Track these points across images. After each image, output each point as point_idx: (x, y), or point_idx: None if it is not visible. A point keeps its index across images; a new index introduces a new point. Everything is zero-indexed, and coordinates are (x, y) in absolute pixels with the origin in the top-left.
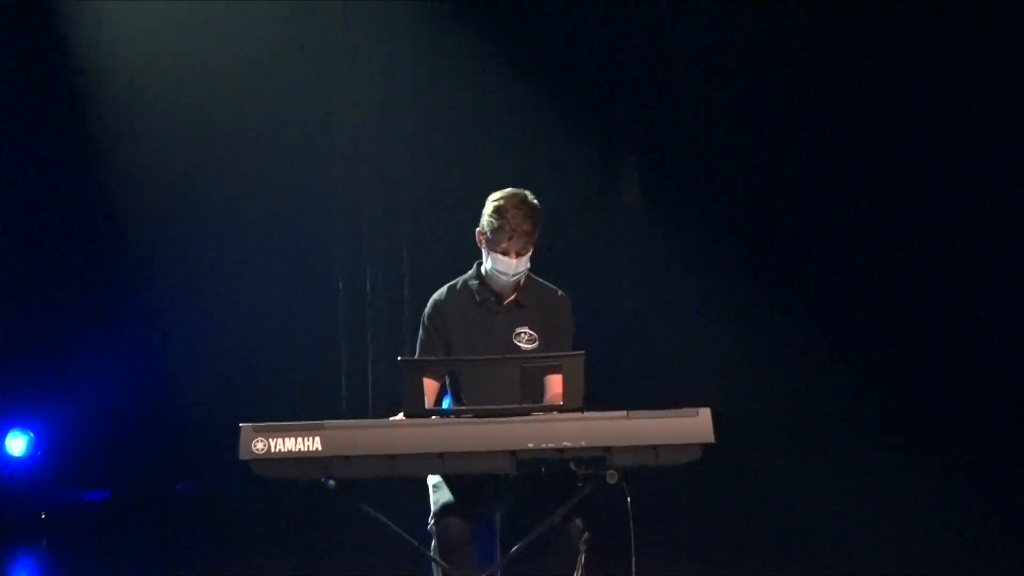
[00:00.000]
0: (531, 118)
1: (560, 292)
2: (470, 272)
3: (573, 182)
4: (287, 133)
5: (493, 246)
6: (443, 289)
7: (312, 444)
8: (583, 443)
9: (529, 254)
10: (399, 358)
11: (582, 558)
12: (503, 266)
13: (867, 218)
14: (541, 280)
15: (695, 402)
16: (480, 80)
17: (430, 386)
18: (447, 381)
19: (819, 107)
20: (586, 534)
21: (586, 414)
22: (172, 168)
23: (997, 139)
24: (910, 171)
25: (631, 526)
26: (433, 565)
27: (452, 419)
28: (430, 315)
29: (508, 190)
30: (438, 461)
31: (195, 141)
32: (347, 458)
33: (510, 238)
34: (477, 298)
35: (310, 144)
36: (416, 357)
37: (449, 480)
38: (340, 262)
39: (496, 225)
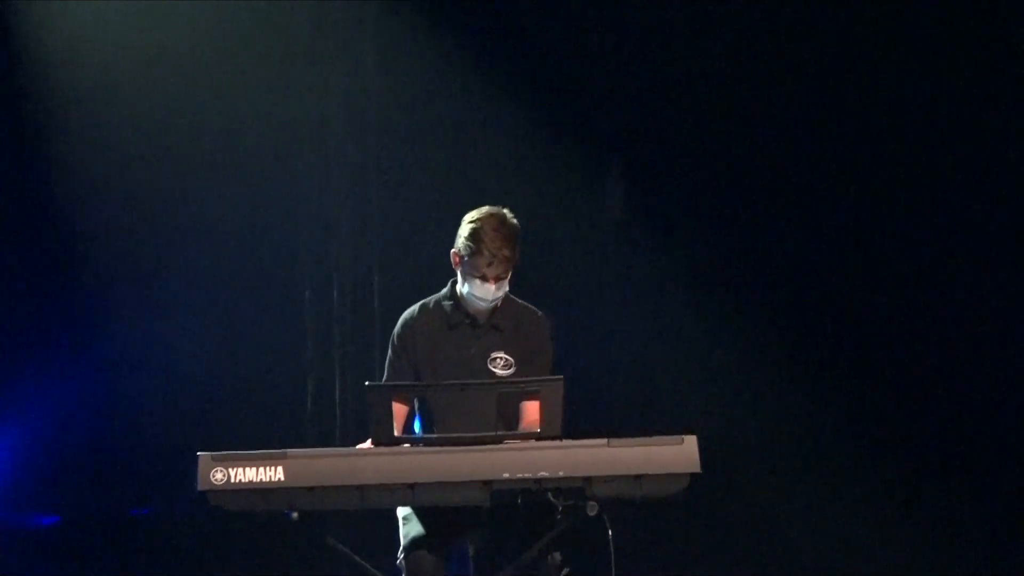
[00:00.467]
0: (506, 119)
1: (539, 313)
2: (444, 291)
3: (551, 188)
4: (250, 139)
5: (471, 271)
6: (415, 307)
7: (274, 474)
8: (561, 473)
9: (508, 277)
10: (366, 383)
11: None
12: (481, 292)
13: (872, 227)
14: (519, 300)
15: (681, 429)
16: (453, 81)
17: (399, 411)
18: (416, 406)
19: (817, 112)
20: (565, 569)
21: (565, 442)
22: (124, 177)
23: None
24: (912, 185)
25: (612, 560)
26: None
27: (423, 447)
28: (400, 335)
29: (485, 210)
30: (408, 492)
31: (151, 148)
32: (311, 489)
33: (489, 264)
34: (451, 320)
35: (274, 153)
36: (384, 379)
37: (420, 512)
38: (306, 276)
39: (473, 250)
